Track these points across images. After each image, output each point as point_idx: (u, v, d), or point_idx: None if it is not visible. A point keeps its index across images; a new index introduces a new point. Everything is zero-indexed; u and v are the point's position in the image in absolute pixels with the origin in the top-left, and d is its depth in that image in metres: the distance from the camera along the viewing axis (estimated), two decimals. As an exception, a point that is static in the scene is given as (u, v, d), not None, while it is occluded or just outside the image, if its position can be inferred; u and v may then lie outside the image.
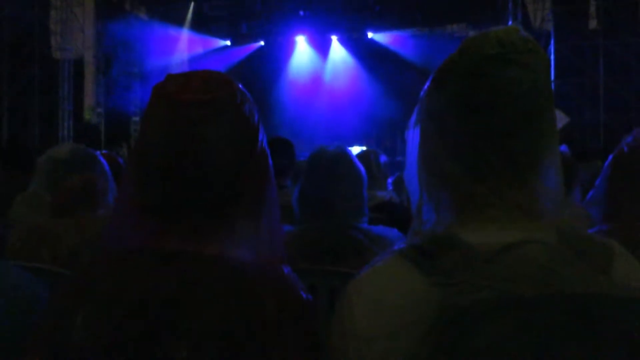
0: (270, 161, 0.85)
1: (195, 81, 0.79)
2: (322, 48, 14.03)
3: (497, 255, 0.62)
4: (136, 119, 12.49)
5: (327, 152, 1.58)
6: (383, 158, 2.55)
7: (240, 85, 0.83)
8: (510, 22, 10.07)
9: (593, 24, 9.09)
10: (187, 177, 0.75)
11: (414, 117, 0.79)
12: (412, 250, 0.67)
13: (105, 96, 11.88)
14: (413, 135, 0.79)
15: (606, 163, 1.44)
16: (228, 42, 14.12)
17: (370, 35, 13.47)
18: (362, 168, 1.62)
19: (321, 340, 0.72)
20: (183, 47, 13.35)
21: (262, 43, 14.17)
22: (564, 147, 2.21)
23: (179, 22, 12.92)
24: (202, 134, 0.75)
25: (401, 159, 11.46)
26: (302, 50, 14.14)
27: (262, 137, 0.83)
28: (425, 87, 0.76)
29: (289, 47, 14.15)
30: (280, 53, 14.09)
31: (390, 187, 5.28)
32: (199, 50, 13.51)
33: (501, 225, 0.66)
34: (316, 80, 13.93)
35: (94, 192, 1.72)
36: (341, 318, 0.66)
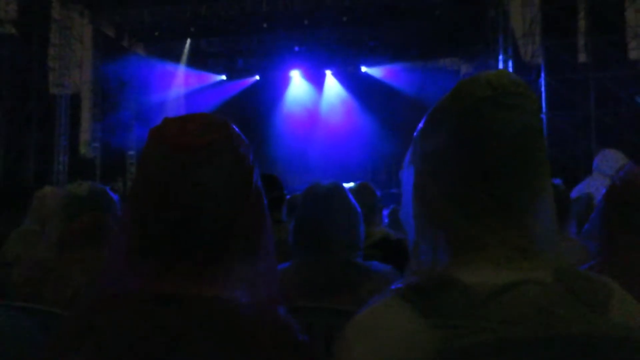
0: (265, 201, 0.86)
1: (192, 124, 0.80)
2: (317, 82, 14.24)
3: (494, 297, 0.62)
4: (132, 153, 12.54)
5: (322, 188, 1.60)
6: (378, 192, 2.55)
7: (234, 127, 0.85)
8: (501, 56, 10.28)
9: (582, 57, 9.28)
10: (184, 219, 0.76)
11: (408, 157, 0.81)
12: (410, 290, 0.67)
13: (101, 131, 11.95)
14: (407, 175, 0.80)
15: (599, 197, 1.45)
16: (224, 77, 14.33)
17: (364, 69, 13.70)
18: (356, 203, 1.63)
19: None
20: (180, 82, 13.53)
21: (257, 77, 14.38)
22: (557, 180, 2.23)
23: (176, 58, 13.12)
24: (198, 177, 0.77)
25: (396, 191, 11.50)
26: (297, 85, 14.34)
27: (257, 177, 0.84)
28: (419, 127, 0.78)
29: (284, 81, 14.36)
30: (275, 87, 14.29)
31: (387, 220, 5.28)
32: (195, 85, 13.69)
33: (498, 265, 0.66)
34: (311, 114, 14.09)
35: (103, 232, 1.71)
36: None
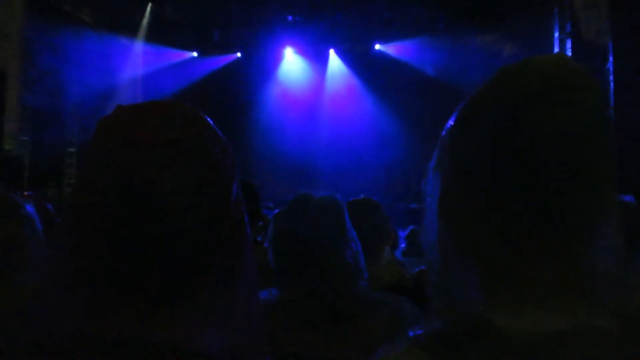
0: (246, 217, 0.86)
1: (153, 115, 0.80)
2: (316, 63, 14.27)
3: (542, 349, 0.62)
4: (72, 150, 12.53)
5: (314, 201, 1.61)
6: (386, 213, 2.53)
7: (208, 120, 0.85)
8: (556, 34, 10.33)
9: (662, 37, 9.32)
10: (140, 239, 0.76)
11: (433, 163, 0.81)
12: (433, 338, 0.67)
13: (33, 121, 11.93)
14: (432, 186, 0.80)
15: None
16: (195, 54, 14.36)
17: (377, 47, 13.74)
18: (348, 223, 1.64)
19: None
20: (137, 60, 13.53)
21: (238, 55, 14.42)
22: (628, 197, 2.24)
23: (133, 29, 13.14)
24: (159, 185, 0.76)
25: (417, 207, 11.46)
26: (290, 65, 14.38)
27: (237, 187, 0.84)
28: (448, 126, 0.78)
29: (274, 61, 14.39)
30: (261, 68, 14.32)
31: (403, 245, 5.28)
32: (157, 64, 13.70)
33: (547, 308, 0.66)
34: (308, 103, 14.10)
35: (16, 250, 1.71)
36: None
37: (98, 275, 0.77)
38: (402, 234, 5.30)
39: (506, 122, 0.70)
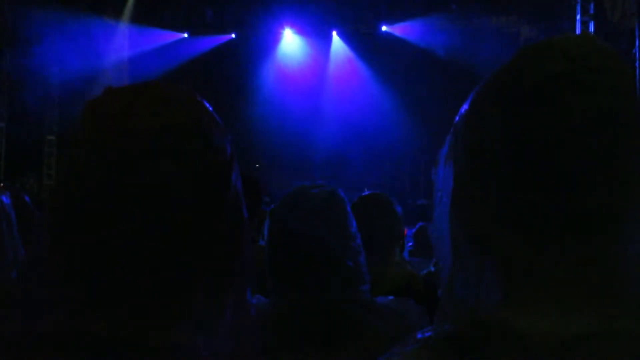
0: (245, 211, 0.86)
1: (145, 99, 0.80)
2: (318, 44, 14.24)
3: (561, 353, 0.62)
4: (51, 138, 12.53)
5: (313, 197, 1.58)
6: (399, 208, 2.51)
7: (205, 103, 0.84)
8: (578, 17, 10.32)
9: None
10: (130, 232, 0.76)
11: (445, 150, 0.81)
12: (443, 340, 0.67)
13: (9, 106, 11.92)
14: (444, 176, 0.80)
15: None
16: (185, 35, 14.32)
17: (384, 28, 13.70)
18: (352, 220, 1.61)
19: None
20: (122, 40, 13.50)
21: (232, 36, 14.38)
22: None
23: (117, 7, 13.10)
24: (152, 174, 0.76)
25: (426, 202, 11.45)
26: (289, 47, 14.35)
27: (236, 177, 0.84)
28: (462, 111, 0.78)
29: (271, 43, 14.36)
30: (258, 50, 14.29)
31: (410, 243, 5.28)
32: (145, 45, 13.67)
33: (567, 308, 0.67)
34: (309, 90, 14.08)
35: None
36: None
37: (86, 272, 0.77)
38: (410, 232, 5.29)
39: (527, 107, 0.70)
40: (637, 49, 9.10)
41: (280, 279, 1.57)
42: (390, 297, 1.60)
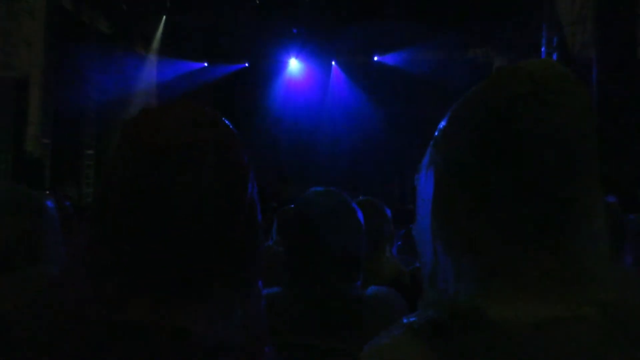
0: (259, 217, 0.86)
1: (172, 118, 0.80)
2: (319, 73, 14.29)
3: (529, 336, 0.62)
4: (90, 152, 12.53)
5: (319, 204, 1.57)
6: (388, 211, 2.51)
7: (228, 124, 0.84)
8: (543, 48, 10.32)
9: (642, 52, 9.30)
10: (159, 234, 0.76)
11: (426, 160, 0.80)
12: (426, 325, 0.66)
13: (53, 124, 11.94)
14: (426, 181, 0.79)
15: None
16: (205, 64, 14.38)
17: (376, 59, 13.75)
18: (361, 221, 1.62)
19: None
20: (151, 68, 13.55)
21: (246, 64, 14.44)
22: (611, 198, 2.23)
23: (147, 39, 13.16)
24: (176, 186, 0.76)
25: (412, 207, 11.39)
26: (294, 75, 14.40)
27: (252, 188, 0.83)
28: (441, 125, 0.78)
29: (280, 70, 14.42)
30: (268, 76, 14.35)
31: (399, 242, 5.26)
32: (170, 73, 13.72)
33: (534, 297, 0.66)
34: (311, 111, 14.12)
35: (34, 243, 1.70)
36: None
37: (120, 266, 0.77)
38: (399, 233, 5.27)
39: (497, 122, 0.69)
40: (594, 77, 9.11)
41: (294, 271, 1.56)
42: (383, 291, 1.59)
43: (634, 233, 2.35)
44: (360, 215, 1.61)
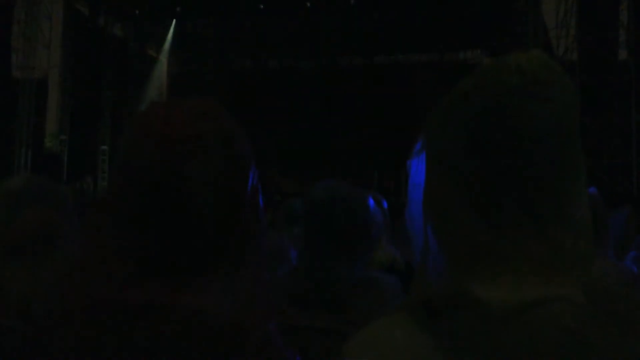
0: (262, 208, 0.86)
1: (181, 112, 0.80)
2: (321, 72, 14.28)
3: (514, 315, 0.62)
4: (104, 147, 12.54)
5: (334, 192, 1.58)
6: (385, 204, 2.53)
7: (230, 117, 0.84)
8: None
9: (623, 54, 9.30)
10: (166, 220, 0.76)
11: (419, 145, 0.79)
12: (418, 306, 0.66)
13: (70, 122, 11.94)
14: (418, 166, 0.79)
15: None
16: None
17: (373, 60, 13.75)
18: (371, 208, 1.62)
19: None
20: (162, 69, 13.54)
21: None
22: (592, 189, 2.22)
23: (159, 41, 13.14)
24: (185, 174, 0.77)
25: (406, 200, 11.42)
26: (298, 72, 14.39)
27: (253, 176, 0.84)
28: (432, 114, 0.77)
29: (284, 68, 14.43)
30: (274, 73, 14.37)
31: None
32: (179, 73, 13.71)
33: (519, 280, 0.66)
34: (312, 107, 14.08)
35: (52, 232, 1.70)
36: None
37: (132, 251, 0.77)
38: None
39: (485, 112, 0.69)
40: (577, 77, 9.11)
41: (306, 255, 1.57)
42: (384, 276, 1.60)
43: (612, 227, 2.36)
44: (372, 203, 1.62)
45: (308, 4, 11.62)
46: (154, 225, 0.76)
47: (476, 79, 0.71)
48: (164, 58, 13.43)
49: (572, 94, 0.69)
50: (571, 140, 0.69)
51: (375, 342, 0.66)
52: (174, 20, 12.95)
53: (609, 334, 0.62)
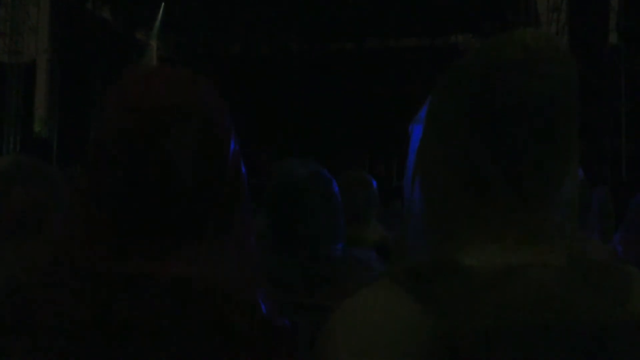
0: (244, 175, 0.86)
1: (156, 82, 0.79)
2: (314, 56, 14.21)
3: (499, 279, 0.63)
4: (94, 133, 12.41)
5: (295, 178, 1.57)
6: (374, 183, 2.55)
7: (209, 86, 0.84)
8: (521, 34, 10.29)
9: (613, 38, 9.31)
10: (147, 191, 0.76)
11: (422, 113, 0.80)
12: (404, 273, 0.67)
13: (59, 107, 11.83)
14: (418, 133, 0.79)
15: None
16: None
17: (364, 44, 13.70)
18: (335, 188, 1.61)
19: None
20: (152, 54, 13.41)
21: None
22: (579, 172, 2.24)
23: (148, 25, 13.01)
24: (162, 145, 0.76)
25: (398, 184, 11.50)
26: (292, 57, 14.32)
27: (234, 147, 0.83)
28: (440, 78, 0.77)
29: (277, 52, 14.35)
30: (266, 58, 14.28)
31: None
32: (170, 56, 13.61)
33: (505, 246, 0.67)
34: (303, 91, 14.02)
35: (41, 213, 1.69)
36: (324, 354, 0.66)
37: (115, 224, 0.77)
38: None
39: (486, 86, 0.69)
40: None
41: (278, 237, 1.57)
42: (363, 252, 1.61)
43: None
44: (334, 182, 1.61)
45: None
46: (135, 196, 0.76)
47: (481, 51, 0.72)
48: (153, 42, 13.29)
49: (573, 74, 0.70)
50: (566, 120, 0.70)
51: (363, 309, 0.67)
52: (163, 3, 12.81)
53: (587, 295, 0.64)
